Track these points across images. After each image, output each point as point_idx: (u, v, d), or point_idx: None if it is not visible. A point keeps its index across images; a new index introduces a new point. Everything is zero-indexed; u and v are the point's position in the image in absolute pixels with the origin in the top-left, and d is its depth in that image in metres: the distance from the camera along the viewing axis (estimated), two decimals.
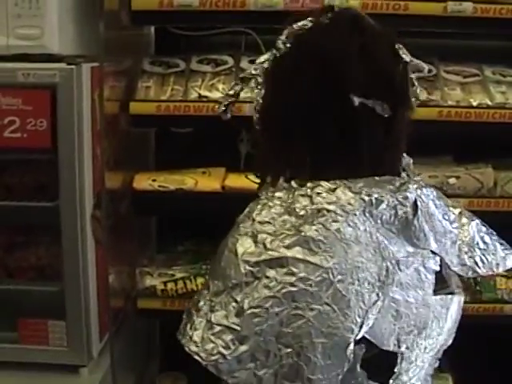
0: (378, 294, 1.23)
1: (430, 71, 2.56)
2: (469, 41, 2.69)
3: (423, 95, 2.46)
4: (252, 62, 2.53)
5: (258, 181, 2.42)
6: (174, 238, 2.84)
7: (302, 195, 1.29)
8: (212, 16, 2.39)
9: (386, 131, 1.34)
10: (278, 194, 1.32)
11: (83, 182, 2.16)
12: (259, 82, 1.46)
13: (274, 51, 1.46)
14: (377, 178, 1.32)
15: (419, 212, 1.29)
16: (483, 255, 1.39)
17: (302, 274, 1.21)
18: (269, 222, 1.28)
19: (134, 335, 2.76)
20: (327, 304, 1.20)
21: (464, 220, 1.39)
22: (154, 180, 2.47)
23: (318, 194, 1.28)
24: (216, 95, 2.41)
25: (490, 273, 1.40)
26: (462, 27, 2.43)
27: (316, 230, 1.23)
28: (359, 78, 1.31)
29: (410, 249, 1.29)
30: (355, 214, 1.26)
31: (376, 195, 1.27)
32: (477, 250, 1.38)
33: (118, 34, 2.36)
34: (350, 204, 1.26)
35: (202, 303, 1.27)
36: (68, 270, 2.21)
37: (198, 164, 2.62)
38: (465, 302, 1.46)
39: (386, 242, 1.27)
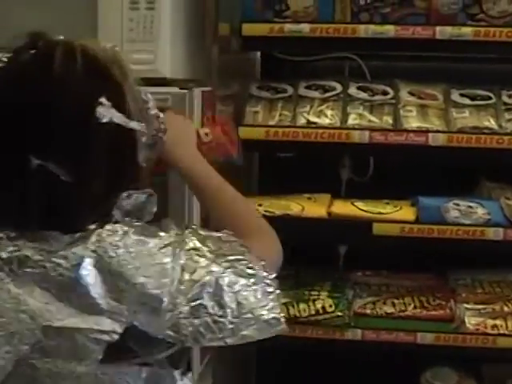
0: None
1: None
2: None
3: None
4: (360, 88, 2.53)
5: (365, 208, 2.43)
6: None
7: None
8: (321, 42, 2.40)
9: (68, 189, 1.20)
10: None
11: (192, 205, 2.17)
12: None
13: None
14: (47, 232, 1.20)
15: (91, 272, 1.18)
16: (214, 322, 1.22)
17: None
18: None
19: (232, 360, 2.76)
20: None
21: (188, 276, 1.22)
22: (259, 205, 2.47)
23: None
24: (325, 121, 2.42)
25: (222, 344, 1.25)
26: None
27: None
28: (38, 137, 1.19)
29: (73, 312, 1.18)
30: None
31: (26, 252, 1.18)
32: (203, 315, 1.21)
33: (227, 59, 2.39)
34: None
35: None
36: None
37: (299, 189, 2.62)
38: None
39: (38, 304, 1.17)
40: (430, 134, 2.36)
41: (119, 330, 1.20)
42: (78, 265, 1.18)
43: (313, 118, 2.44)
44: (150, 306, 1.20)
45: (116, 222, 1.25)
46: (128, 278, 1.19)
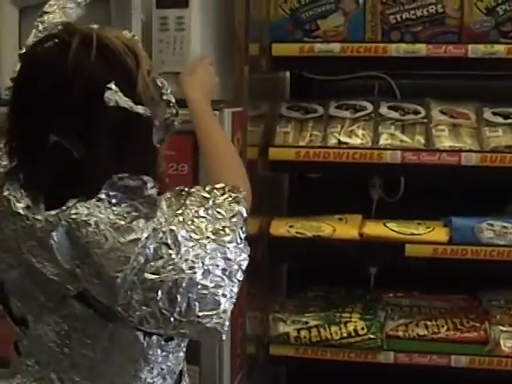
0: None
1: None
2: None
3: None
4: (391, 107, 2.51)
5: (397, 229, 2.41)
6: (303, 283, 2.82)
7: None
8: (352, 62, 2.39)
9: (76, 164, 1.31)
10: None
11: None
12: None
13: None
14: (39, 197, 1.33)
15: (60, 239, 1.29)
16: (161, 314, 1.29)
17: None
18: None
19: (263, 381, 2.73)
20: None
21: (149, 268, 1.27)
22: (290, 226, 2.45)
23: None
24: (356, 141, 2.40)
25: (161, 333, 1.34)
26: None
27: None
28: (54, 116, 1.31)
29: (46, 259, 1.31)
30: None
31: (17, 203, 1.33)
32: (153, 306, 1.28)
33: (257, 79, 2.37)
34: None
35: None
36: None
37: (329, 209, 2.60)
38: None
39: (23, 242, 1.33)
40: (463, 154, 2.33)
41: (74, 290, 1.32)
42: (50, 231, 1.29)
43: (344, 138, 2.42)
44: (105, 283, 1.28)
45: (99, 200, 1.31)
46: (91, 255, 1.28)
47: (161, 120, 1.39)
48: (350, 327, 2.45)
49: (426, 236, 2.40)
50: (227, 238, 1.33)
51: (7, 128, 1.38)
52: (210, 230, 1.32)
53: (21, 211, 1.32)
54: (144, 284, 1.27)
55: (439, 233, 2.41)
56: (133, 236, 1.27)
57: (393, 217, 2.53)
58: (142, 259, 1.27)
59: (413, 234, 2.40)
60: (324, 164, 2.38)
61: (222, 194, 1.39)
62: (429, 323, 2.49)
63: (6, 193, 1.34)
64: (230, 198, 1.39)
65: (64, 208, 1.30)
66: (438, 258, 2.36)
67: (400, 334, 2.46)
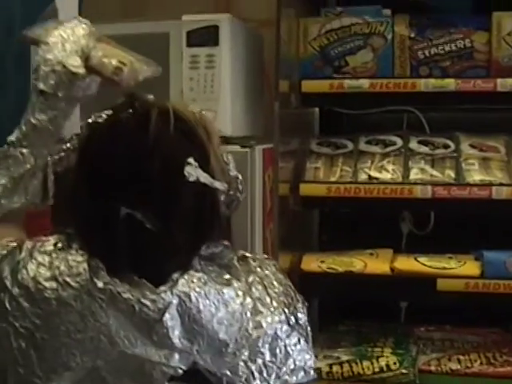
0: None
1: None
2: None
3: None
4: (421, 142, 2.52)
5: (428, 264, 2.40)
6: (334, 318, 2.82)
7: None
8: (381, 97, 2.41)
9: (154, 239, 1.29)
10: None
11: (254, 228, 2.18)
12: None
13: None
14: (137, 278, 1.30)
15: (173, 315, 1.28)
16: (265, 366, 1.34)
17: None
18: None
19: None
20: None
21: (252, 324, 1.33)
22: (322, 262, 2.46)
23: None
24: (386, 176, 2.41)
25: None
26: None
27: None
28: (128, 188, 1.28)
29: (148, 344, 1.29)
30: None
31: (118, 289, 1.29)
32: (259, 360, 1.33)
33: (287, 115, 2.40)
34: None
35: None
36: None
37: (360, 243, 2.60)
38: None
39: (119, 331, 1.28)
40: (494, 188, 2.33)
41: (184, 367, 1.30)
42: (165, 309, 1.29)
43: (374, 174, 2.43)
44: (217, 348, 1.31)
45: (197, 270, 1.34)
46: (204, 323, 1.30)
47: (227, 196, 1.39)
48: (382, 362, 2.44)
49: (457, 270, 2.39)
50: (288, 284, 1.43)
51: (68, 206, 1.37)
52: (278, 282, 1.41)
53: (130, 296, 1.29)
54: (249, 341, 1.32)
55: (471, 267, 2.40)
56: (234, 297, 1.33)
57: (423, 250, 2.52)
58: (245, 318, 1.33)
59: (444, 269, 2.39)
60: (355, 199, 2.39)
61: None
62: (461, 357, 2.47)
63: (100, 285, 1.29)
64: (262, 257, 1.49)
65: (172, 283, 1.30)
66: (469, 292, 2.35)
67: (432, 368, 2.44)
